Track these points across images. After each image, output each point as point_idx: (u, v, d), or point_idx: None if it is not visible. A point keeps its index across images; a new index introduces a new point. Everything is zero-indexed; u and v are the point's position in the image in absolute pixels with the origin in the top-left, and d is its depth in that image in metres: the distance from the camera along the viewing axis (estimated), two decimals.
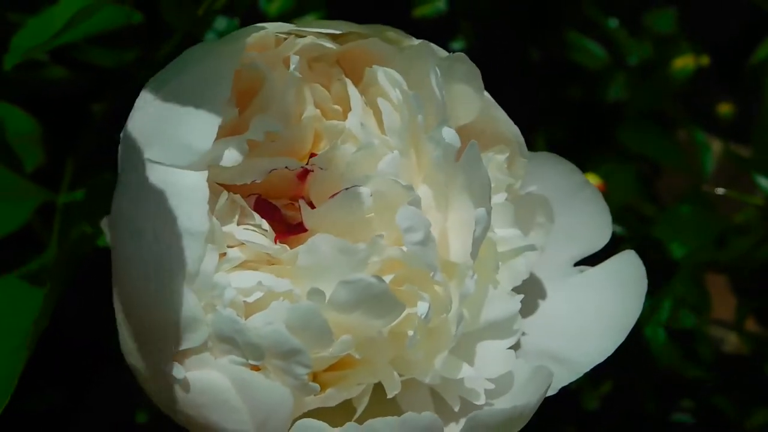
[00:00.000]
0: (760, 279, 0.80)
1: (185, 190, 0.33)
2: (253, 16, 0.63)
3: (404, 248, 0.35)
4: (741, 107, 1.04)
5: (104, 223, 0.35)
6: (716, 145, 0.94)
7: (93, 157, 0.58)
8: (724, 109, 1.03)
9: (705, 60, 0.89)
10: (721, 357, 0.82)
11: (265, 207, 0.36)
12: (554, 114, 0.87)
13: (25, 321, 0.43)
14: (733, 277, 0.82)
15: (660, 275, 0.74)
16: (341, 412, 0.36)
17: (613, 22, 0.89)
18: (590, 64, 0.87)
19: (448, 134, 0.36)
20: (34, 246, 0.54)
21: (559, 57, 0.87)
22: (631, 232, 0.77)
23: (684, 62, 0.88)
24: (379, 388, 0.36)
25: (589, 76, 0.88)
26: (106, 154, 0.58)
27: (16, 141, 0.54)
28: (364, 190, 0.35)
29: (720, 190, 0.72)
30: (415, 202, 0.35)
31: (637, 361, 0.74)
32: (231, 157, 0.34)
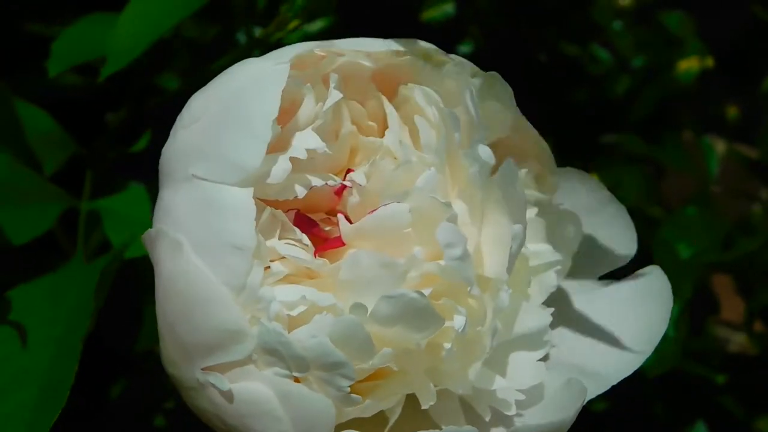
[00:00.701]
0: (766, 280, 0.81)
1: (234, 207, 0.33)
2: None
3: (442, 263, 0.35)
4: (745, 108, 1.04)
5: (146, 237, 0.36)
6: (720, 147, 0.95)
7: (112, 165, 0.58)
8: (731, 112, 1.04)
9: (710, 62, 0.89)
10: (729, 357, 0.82)
11: (304, 222, 0.37)
12: (561, 117, 0.88)
13: (57, 331, 0.44)
14: (738, 278, 0.83)
15: (669, 276, 0.74)
16: (372, 422, 0.36)
17: (618, 25, 0.89)
18: (595, 68, 0.87)
19: (484, 152, 0.36)
20: (53, 253, 0.54)
21: (564, 60, 0.87)
22: (638, 234, 0.77)
23: (689, 64, 0.88)
24: (409, 399, 0.37)
25: (594, 79, 0.89)
26: (125, 162, 0.58)
27: (35, 140, 0.54)
28: (404, 206, 0.36)
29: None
30: (453, 219, 0.36)
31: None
32: (277, 174, 0.35)
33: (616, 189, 0.77)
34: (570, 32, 0.88)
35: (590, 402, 0.83)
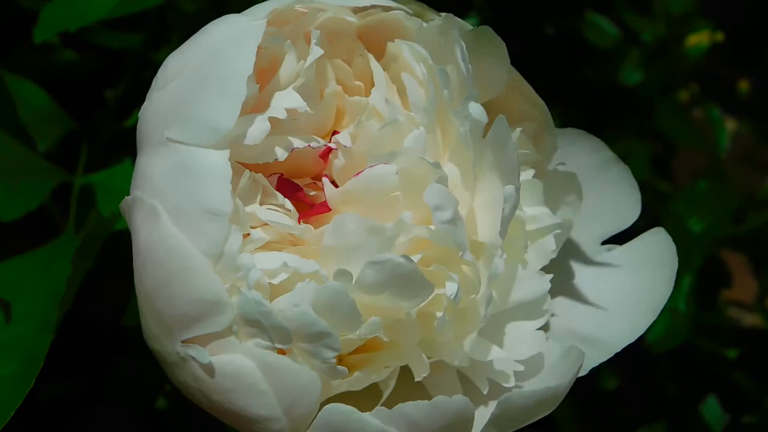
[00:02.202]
0: None
1: (208, 170, 0.32)
2: None
3: (432, 227, 0.34)
4: (755, 84, 1.03)
5: (123, 205, 0.35)
6: (730, 124, 0.93)
7: (108, 141, 0.57)
8: (743, 86, 1.02)
9: (719, 36, 0.88)
10: (741, 333, 0.81)
11: (287, 187, 0.36)
12: (569, 92, 0.87)
13: (41, 305, 0.43)
14: (751, 254, 0.81)
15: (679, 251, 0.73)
16: (367, 396, 0.35)
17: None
18: (603, 42, 0.86)
19: (475, 109, 0.35)
20: (48, 228, 0.54)
21: (572, 35, 0.86)
22: (648, 208, 0.76)
23: (698, 39, 0.87)
24: (405, 372, 0.36)
25: (603, 55, 0.87)
26: (121, 137, 0.57)
27: (29, 118, 0.54)
28: (390, 168, 0.34)
29: None
30: (443, 180, 0.34)
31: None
32: (253, 135, 0.33)
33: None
34: (576, 6, 0.86)
35: (602, 379, 0.82)
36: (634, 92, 0.87)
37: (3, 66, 0.55)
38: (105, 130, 0.58)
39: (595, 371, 0.81)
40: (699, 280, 0.73)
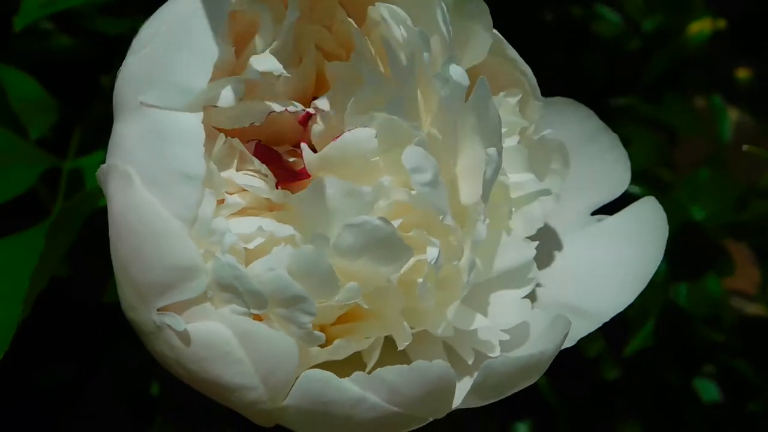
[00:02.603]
0: None
1: (180, 133, 0.31)
2: None
3: (412, 191, 0.33)
4: (759, 72, 1.02)
5: (99, 174, 0.34)
6: (732, 113, 0.93)
7: (101, 126, 0.57)
8: (742, 74, 1.02)
9: (721, 24, 0.87)
10: (743, 322, 0.81)
11: (266, 153, 0.35)
12: (569, 79, 0.86)
13: (25, 285, 0.42)
14: (753, 243, 0.81)
15: (681, 238, 0.73)
16: (352, 368, 0.34)
17: None
18: (605, 30, 0.85)
19: (456, 72, 0.34)
20: (37, 212, 0.53)
21: (573, 22, 0.86)
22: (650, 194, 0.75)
23: (700, 26, 0.86)
24: (390, 345, 0.35)
25: (605, 42, 0.87)
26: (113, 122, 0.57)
27: (21, 106, 0.53)
28: (369, 131, 0.34)
29: (746, 147, 0.70)
30: (422, 143, 0.33)
31: (659, 327, 0.72)
32: (227, 97, 0.32)
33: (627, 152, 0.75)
34: None
35: (603, 370, 0.81)
36: (637, 80, 0.86)
37: None
38: (98, 114, 0.58)
39: (597, 361, 0.80)
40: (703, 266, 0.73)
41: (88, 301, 0.56)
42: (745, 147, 0.73)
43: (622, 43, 0.87)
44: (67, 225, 0.43)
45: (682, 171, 0.88)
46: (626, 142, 0.79)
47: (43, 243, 0.45)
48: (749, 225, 0.77)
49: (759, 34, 1.07)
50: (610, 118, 0.85)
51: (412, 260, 0.33)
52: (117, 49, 0.60)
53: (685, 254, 0.73)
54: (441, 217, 0.33)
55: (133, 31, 0.59)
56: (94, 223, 0.46)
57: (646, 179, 0.77)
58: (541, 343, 0.34)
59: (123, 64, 0.34)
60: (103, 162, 0.41)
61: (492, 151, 0.33)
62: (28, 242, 0.46)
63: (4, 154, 0.50)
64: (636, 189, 0.73)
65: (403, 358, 0.35)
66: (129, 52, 0.34)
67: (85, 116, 0.57)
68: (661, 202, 0.71)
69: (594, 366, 0.78)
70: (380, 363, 0.35)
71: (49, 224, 0.47)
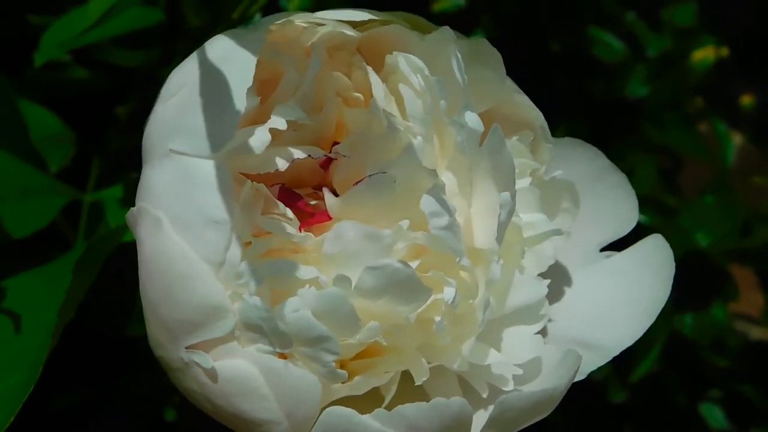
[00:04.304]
0: None
1: (209, 180, 0.32)
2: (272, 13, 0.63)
3: (429, 233, 0.34)
4: (762, 98, 1.03)
5: (129, 216, 0.35)
6: (736, 138, 0.94)
7: (119, 157, 0.58)
8: (746, 101, 1.03)
9: (725, 51, 0.88)
10: (748, 346, 0.81)
11: (289, 196, 0.36)
12: (575, 108, 0.87)
13: (51, 317, 0.43)
14: (758, 267, 0.82)
15: (687, 265, 0.74)
16: (369, 402, 0.35)
17: (631, 15, 0.88)
18: (609, 57, 0.86)
19: (471, 119, 0.35)
20: (59, 244, 0.54)
21: (578, 50, 0.87)
22: (655, 222, 0.76)
23: (704, 54, 0.87)
24: (407, 378, 0.36)
25: (609, 70, 0.88)
26: (131, 154, 0.58)
27: (40, 140, 0.55)
28: (388, 176, 0.35)
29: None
30: (440, 188, 0.35)
31: (665, 352, 0.73)
32: (254, 146, 0.34)
33: (630, 178, 0.76)
34: (582, 22, 0.87)
35: (610, 393, 0.82)
36: (641, 106, 0.87)
37: (15, 83, 0.56)
38: (115, 146, 0.59)
39: (603, 384, 0.81)
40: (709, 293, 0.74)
41: (104, 327, 0.57)
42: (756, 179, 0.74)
43: (626, 70, 0.88)
44: (93, 260, 0.44)
45: (687, 195, 0.89)
46: (631, 169, 0.80)
47: (68, 276, 0.46)
48: (753, 250, 0.78)
49: (763, 60, 1.08)
50: (614, 144, 0.86)
51: (429, 299, 0.34)
52: (132, 81, 0.61)
53: (691, 281, 0.74)
54: (458, 259, 0.34)
55: (147, 63, 0.61)
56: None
57: (651, 205, 0.78)
58: (553, 378, 0.35)
59: (152, 111, 0.36)
60: (123, 197, 0.42)
61: (506, 195, 0.35)
62: (52, 275, 0.48)
63: (26, 188, 0.51)
64: (641, 216, 0.74)
65: (418, 390, 0.36)
66: (158, 100, 0.36)
67: (103, 148, 0.59)
68: (666, 229, 0.72)
69: (600, 389, 0.79)
70: (395, 395, 0.36)
71: (75, 259, 0.49)
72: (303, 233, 0.35)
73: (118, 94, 0.63)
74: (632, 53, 0.87)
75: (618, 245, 0.42)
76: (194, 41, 0.58)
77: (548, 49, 0.87)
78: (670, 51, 0.88)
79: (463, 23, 0.79)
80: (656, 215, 0.78)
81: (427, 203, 0.34)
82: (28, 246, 0.51)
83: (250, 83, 0.33)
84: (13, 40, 0.62)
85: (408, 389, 0.36)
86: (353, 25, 0.37)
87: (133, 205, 0.49)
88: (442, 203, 0.34)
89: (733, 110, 1.01)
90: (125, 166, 0.58)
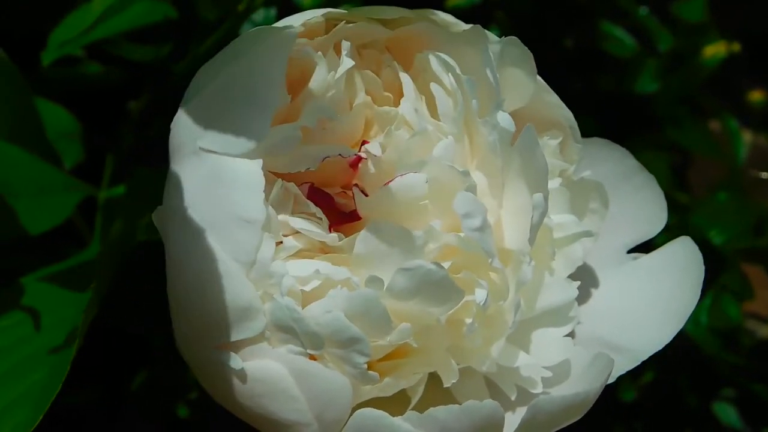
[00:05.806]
0: None
1: (241, 179, 0.32)
2: (287, 9, 0.63)
3: (461, 234, 0.34)
4: None
5: (156, 216, 0.35)
6: (747, 135, 0.93)
7: (132, 153, 0.58)
8: (755, 96, 1.02)
9: (736, 47, 0.88)
10: (761, 345, 0.81)
11: (318, 195, 0.36)
12: (586, 103, 0.87)
13: (70, 314, 0.43)
14: None
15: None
16: (396, 402, 0.35)
17: (644, 11, 0.88)
18: (620, 52, 0.86)
19: (503, 118, 0.35)
20: (74, 241, 0.54)
21: (590, 46, 0.86)
22: (669, 220, 0.76)
23: (715, 50, 0.87)
24: (432, 378, 0.36)
25: (620, 65, 0.87)
26: (145, 149, 0.58)
27: (55, 136, 0.55)
28: (420, 177, 0.35)
29: (764, 174, 0.71)
30: (471, 188, 0.34)
31: (676, 351, 0.73)
32: (285, 144, 0.34)
33: None
34: (595, 17, 0.87)
35: (620, 391, 0.82)
36: (651, 102, 0.87)
37: (30, 80, 0.56)
38: (128, 142, 0.59)
39: (614, 382, 0.81)
40: (723, 291, 0.73)
41: (119, 324, 0.57)
42: (764, 175, 0.74)
43: (637, 66, 0.87)
44: (114, 258, 0.44)
45: (696, 192, 0.89)
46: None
47: (85, 273, 0.46)
48: (765, 249, 0.78)
49: None
50: (625, 140, 0.86)
51: (461, 301, 0.34)
52: (145, 76, 0.61)
53: (705, 280, 0.74)
54: (490, 260, 0.34)
55: (158, 59, 0.61)
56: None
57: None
58: (586, 381, 0.35)
59: (180, 108, 0.35)
60: (129, 192, 0.41)
61: (538, 196, 0.35)
62: (69, 272, 0.48)
63: (42, 185, 0.51)
64: None
65: (444, 392, 0.36)
66: (186, 98, 0.35)
67: (116, 144, 0.58)
68: (679, 227, 0.72)
69: (611, 387, 0.79)
70: (422, 396, 0.36)
71: (91, 256, 0.49)
72: (333, 233, 0.35)
73: (130, 89, 0.62)
74: (643, 49, 0.87)
75: (643, 246, 0.41)
76: (206, 36, 0.58)
77: (562, 45, 0.87)
78: (681, 46, 0.88)
79: (477, 19, 0.78)
80: (670, 213, 0.78)
81: (460, 204, 0.33)
82: (44, 243, 0.51)
83: (282, 82, 0.32)
84: (27, 37, 0.62)
85: (434, 391, 0.36)
86: (383, 22, 0.37)
87: (140, 201, 0.49)
88: (475, 204, 0.34)
89: (745, 107, 1.01)
90: (139, 161, 0.58)
